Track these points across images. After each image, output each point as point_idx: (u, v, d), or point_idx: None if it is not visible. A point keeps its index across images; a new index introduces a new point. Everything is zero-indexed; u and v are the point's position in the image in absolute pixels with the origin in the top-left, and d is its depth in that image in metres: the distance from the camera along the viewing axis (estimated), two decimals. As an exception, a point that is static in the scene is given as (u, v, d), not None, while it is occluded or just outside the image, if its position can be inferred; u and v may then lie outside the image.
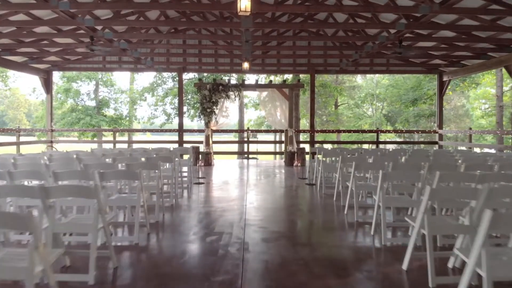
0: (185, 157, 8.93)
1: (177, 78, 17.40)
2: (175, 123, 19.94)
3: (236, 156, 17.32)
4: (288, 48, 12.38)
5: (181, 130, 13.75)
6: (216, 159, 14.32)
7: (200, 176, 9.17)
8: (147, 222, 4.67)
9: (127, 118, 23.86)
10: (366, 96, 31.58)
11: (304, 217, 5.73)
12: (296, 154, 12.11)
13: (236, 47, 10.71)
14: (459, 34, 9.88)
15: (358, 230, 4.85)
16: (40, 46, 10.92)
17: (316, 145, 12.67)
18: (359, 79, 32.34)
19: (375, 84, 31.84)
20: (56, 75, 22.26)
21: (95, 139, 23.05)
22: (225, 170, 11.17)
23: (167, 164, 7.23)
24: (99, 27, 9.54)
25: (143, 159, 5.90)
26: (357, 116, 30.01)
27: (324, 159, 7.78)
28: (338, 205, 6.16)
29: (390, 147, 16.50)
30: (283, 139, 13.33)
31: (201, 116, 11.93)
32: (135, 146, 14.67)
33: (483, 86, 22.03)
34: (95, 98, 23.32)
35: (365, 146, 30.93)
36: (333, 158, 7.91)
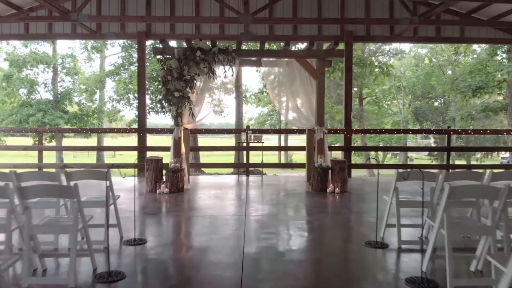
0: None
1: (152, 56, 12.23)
2: (151, 120, 14.56)
3: (232, 169, 12.13)
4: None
5: (142, 130, 8.62)
6: (201, 175, 9.25)
7: (135, 239, 3.98)
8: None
9: (95, 115, 18.64)
10: (391, 88, 26.36)
11: None
12: (331, 171, 6.93)
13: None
14: None
15: None
16: None
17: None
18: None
19: (402, 73, 26.58)
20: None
21: (53, 141, 17.98)
22: (203, 205, 5.97)
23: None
24: None
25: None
26: (382, 112, 24.79)
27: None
28: None
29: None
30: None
31: (164, 106, 6.70)
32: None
33: None
34: (53, 89, 18.16)
35: (388, 153, 25.86)
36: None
